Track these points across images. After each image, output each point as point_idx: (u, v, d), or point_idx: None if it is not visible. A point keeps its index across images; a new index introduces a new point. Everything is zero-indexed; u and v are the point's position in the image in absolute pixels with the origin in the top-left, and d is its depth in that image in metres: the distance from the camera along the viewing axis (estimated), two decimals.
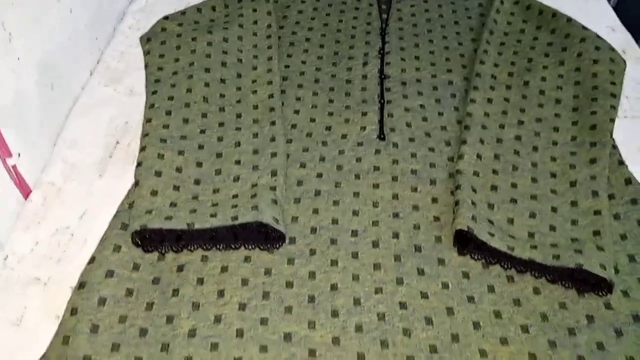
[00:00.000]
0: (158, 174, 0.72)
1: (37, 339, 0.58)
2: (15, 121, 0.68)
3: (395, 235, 0.69)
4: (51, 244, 0.67)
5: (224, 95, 0.85)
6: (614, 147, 0.78)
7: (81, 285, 0.62)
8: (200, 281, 0.64)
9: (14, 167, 0.68)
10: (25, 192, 0.71)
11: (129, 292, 0.63)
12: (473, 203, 0.69)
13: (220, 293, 0.63)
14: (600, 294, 0.63)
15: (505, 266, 0.66)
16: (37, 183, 0.73)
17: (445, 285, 0.64)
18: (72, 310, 0.60)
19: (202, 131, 0.79)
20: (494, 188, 0.73)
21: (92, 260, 0.64)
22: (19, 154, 0.68)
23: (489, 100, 0.85)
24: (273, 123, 0.80)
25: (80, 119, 0.82)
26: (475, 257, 0.66)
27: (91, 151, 0.78)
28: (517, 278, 0.65)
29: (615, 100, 0.83)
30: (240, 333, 0.59)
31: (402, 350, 0.58)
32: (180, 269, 0.65)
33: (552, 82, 0.88)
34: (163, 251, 0.66)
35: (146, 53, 0.92)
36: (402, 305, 0.62)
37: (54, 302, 0.61)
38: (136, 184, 0.71)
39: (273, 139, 0.78)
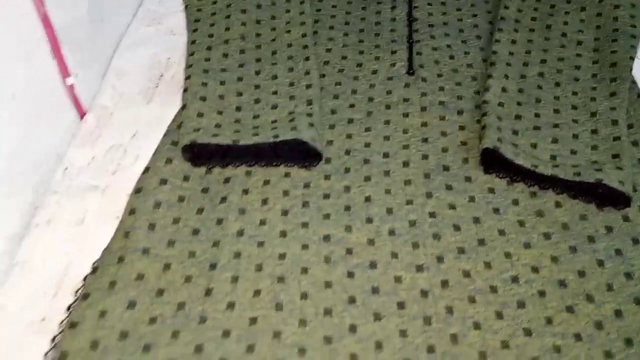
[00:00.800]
0: (203, 99, 0.77)
1: (98, 236, 0.64)
2: (73, 45, 0.73)
3: (425, 157, 0.74)
4: (106, 158, 0.73)
5: (260, 34, 0.90)
6: (633, 82, 0.82)
7: (138, 190, 0.68)
8: (245, 191, 0.69)
9: (71, 86, 0.73)
10: (81, 112, 0.77)
11: (181, 199, 0.68)
12: (499, 128, 0.73)
13: (264, 201, 0.68)
14: (619, 208, 0.67)
15: (529, 183, 0.70)
16: (90, 106, 0.78)
17: (471, 199, 0.69)
18: (131, 211, 0.66)
19: (241, 65, 0.84)
20: (518, 117, 0.77)
21: (146, 170, 0.70)
22: (77, 74, 0.74)
23: (513, 42, 0.89)
24: (307, 59, 0.85)
25: (126, 53, 0.87)
26: (500, 176, 0.71)
27: (138, 81, 0.83)
28: (540, 193, 0.69)
29: (635, 40, 0.86)
30: (283, 234, 0.65)
31: (431, 251, 0.63)
32: (226, 180, 0.70)
33: (574, 26, 0.92)
34: (210, 166, 0.72)
35: None
36: (432, 215, 0.67)
37: (113, 206, 0.67)
38: (183, 107, 0.76)
39: (307, 73, 0.83)
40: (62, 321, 0.57)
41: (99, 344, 0.55)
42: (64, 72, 0.71)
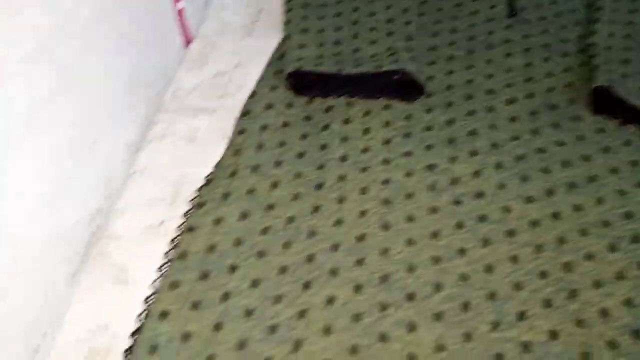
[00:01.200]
0: (304, 31, 0.78)
1: (208, 153, 0.66)
2: None
3: (530, 96, 0.72)
4: (212, 84, 0.75)
5: None
6: None
7: (245, 113, 0.70)
8: (347, 121, 0.70)
9: (181, 11, 0.75)
10: (188, 39, 0.79)
11: (285, 124, 0.70)
12: (608, 70, 0.71)
13: (366, 130, 0.69)
14: None
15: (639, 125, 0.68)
16: (196, 35, 0.80)
17: (580, 138, 0.67)
18: (240, 131, 0.68)
19: (339, 2, 0.84)
20: (626, 61, 0.74)
21: (253, 95, 0.72)
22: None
23: None
24: (405, 10, 0.84)
25: None
26: (611, 117, 0.69)
27: (239, 14, 0.85)
28: None
29: None
30: (386, 161, 0.65)
31: (541, 185, 0.62)
32: (328, 110, 0.71)
33: None
34: (312, 96, 0.73)
35: None
36: (540, 150, 0.66)
37: (221, 126, 0.69)
38: (286, 37, 0.77)
39: (406, 11, 0.82)
40: (180, 225, 0.59)
41: (215, 247, 0.58)
42: None
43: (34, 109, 0.48)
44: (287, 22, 0.79)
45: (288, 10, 0.81)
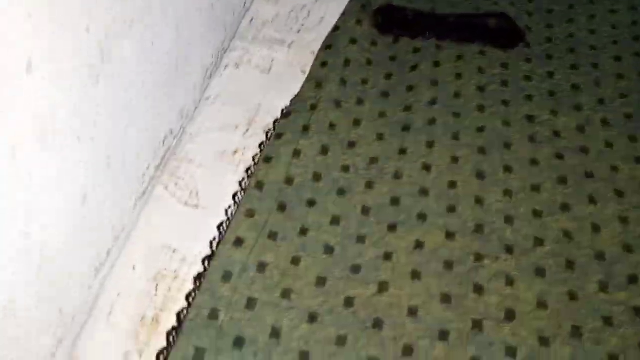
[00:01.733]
0: None
1: (283, 84, 0.61)
2: None
3: (638, 55, 0.65)
4: (290, 16, 0.70)
5: None
6: None
7: (328, 46, 0.65)
8: (437, 63, 0.65)
9: None
10: None
11: (369, 62, 0.65)
12: None
13: (458, 76, 0.63)
14: None
15: None
16: None
17: None
18: (322, 64, 0.63)
19: None
20: None
21: (336, 28, 0.67)
22: None
23: None
24: None
25: None
26: None
27: None
28: None
29: None
30: (480, 108, 0.60)
31: None
32: (416, 51, 0.66)
33: None
34: (399, 34, 0.67)
35: None
36: None
37: (299, 60, 0.64)
38: None
39: None
40: (256, 155, 0.55)
41: (293, 180, 0.53)
42: None
43: (111, 38, 0.44)
44: None
45: None
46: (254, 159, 0.55)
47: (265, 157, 0.55)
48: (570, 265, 0.48)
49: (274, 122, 0.58)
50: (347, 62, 0.63)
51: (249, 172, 0.54)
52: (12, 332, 0.38)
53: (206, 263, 0.48)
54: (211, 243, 0.49)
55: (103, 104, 0.43)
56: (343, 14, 0.68)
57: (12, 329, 0.38)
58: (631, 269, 0.48)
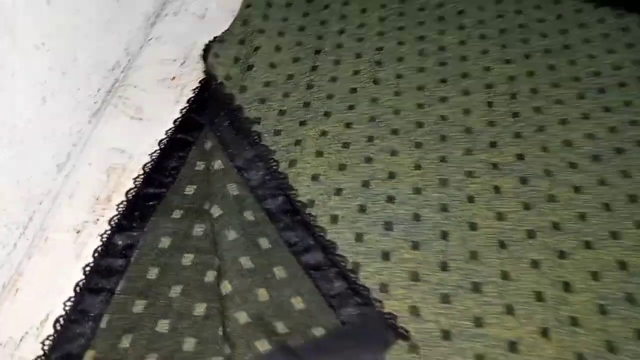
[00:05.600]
0: None
1: (216, 27, 0.72)
2: None
3: None
4: None
5: None
6: None
7: None
8: (345, 3, 0.76)
9: None
10: None
11: (288, 4, 0.76)
12: None
13: (363, 10, 0.75)
14: None
15: (614, 4, 0.73)
16: None
17: (559, 16, 0.73)
18: (247, 5, 0.74)
19: None
20: None
21: None
22: None
23: None
24: None
25: None
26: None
27: None
28: (625, 15, 0.72)
29: None
30: (380, 33, 0.71)
31: (519, 51, 0.68)
32: None
33: None
34: None
35: None
36: (521, 25, 0.71)
37: (229, 6, 0.76)
38: None
39: None
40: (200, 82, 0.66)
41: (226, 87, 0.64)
42: None
43: None
44: None
45: None
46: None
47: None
48: (468, 152, 0.59)
49: (207, 44, 0.69)
50: (269, 4, 0.75)
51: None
52: None
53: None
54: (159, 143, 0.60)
55: (56, 21, 0.54)
56: None
57: None
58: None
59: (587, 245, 0.51)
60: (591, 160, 0.57)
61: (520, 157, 0.57)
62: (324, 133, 0.61)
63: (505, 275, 0.49)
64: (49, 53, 0.54)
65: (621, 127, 0.60)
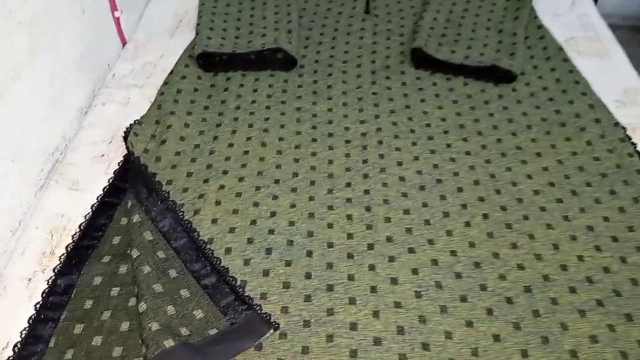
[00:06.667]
0: (210, 28, 1.05)
1: (137, 112, 0.91)
2: None
3: (373, 61, 1.01)
4: (142, 70, 1.01)
5: None
6: (533, 9, 1.09)
7: (165, 83, 0.96)
8: (242, 85, 0.97)
9: (118, 19, 1.02)
10: (123, 42, 1.05)
11: (195, 89, 0.96)
12: (426, 39, 1.00)
13: (255, 90, 0.96)
14: (510, 82, 0.94)
15: (445, 73, 0.97)
16: (129, 39, 1.07)
17: (403, 83, 0.96)
18: (160, 93, 0.93)
19: (240, 11, 1.13)
20: (443, 35, 1.04)
21: (171, 72, 0.98)
22: (121, 11, 1.03)
23: None
24: (289, 5, 1.13)
25: (154, 7, 1.17)
26: (425, 68, 0.98)
27: (164, 23, 1.12)
28: (453, 78, 0.96)
29: None
30: (268, 107, 0.92)
31: (371, 112, 0.90)
32: (228, 79, 0.98)
33: None
34: (216, 71, 1.00)
35: None
36: (374, 93, 0.94)
37: (148, 95, 0.95)
38: (196, 34, 1.04)
39: (289, 14, 1.11)
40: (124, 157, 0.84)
41: (142, 161, 0.82)
42: (114, 6, 1.01)
43: (17, 72, 0.73)
44: (198, 24, 1.07)
45: (199, 17, 1.09)
46: (121, 158, 0.83)
47: (129, 150, 0.84)
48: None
49: (129, 127, 0.87)
50: (179, 91, 0.94)
51: (120, 163, 0.82)
52: None
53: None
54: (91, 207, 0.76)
55: (3, 119, 0.72)
56: (177, 61, 1.00)
57: None
58: None
59: (410, 250, 0.70)
60: (418, 190, 0.77)
61: (367, 192, 0.77)
62: (222, 187, 0.79)
63: (351, 277, 0.67)
64: (0, 145, 0.71)
65: (442, 164, 0.81)
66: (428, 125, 0.88)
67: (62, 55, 0.87)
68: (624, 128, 0.84)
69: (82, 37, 0.92)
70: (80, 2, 0.91)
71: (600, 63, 0.98)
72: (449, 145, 0.84)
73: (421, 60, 0.99)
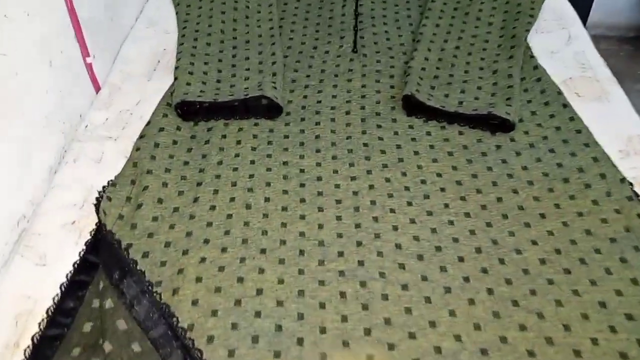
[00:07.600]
0: (190, 72, 0.99)
1: (112, 170, 0.85)
2: (92, 32, 0.96)
3: (362, 107, 0.95)
4: (117, 119, 0.94)
5: (236, 29, 1.13)
6: (528, 47, 1.05)
7: (142, 136, 0.89)
8: (224, 136, 0.91)
9: (90, 65, 0.95)
10: (97, 87, 0.99)
11: (175, 142, 0.89)
12: (418, 83, 0.95)
13: (238, 142, 0.90)
14: (507, 132, 0.89)
15: (439, 120, 0.92)
16: (104, 83, 1.01)
17: (396, 133, 0.90)
18: (137, 149, 0.87)
19: (221, 51, 1.07)
20: (435, 77, 0.99)
21: (148, 123, 0.92)
22: (94, 56, 0.96)
23: (437, 25, 1.12)
24: (273, 44, 1.08)
25: (130, 45, 1.10)
26: (418, 116, 0.93)
27: (141, 65, 1.06)
28: (447, 127, 0.91)
29: (532, 18, 1.10)
30: (252, 162, 0.86)
31: (363, 167, 0.84)
32: (209, 129, 0.92)
33: (487, 12, 1.15)
34: (196, 120, 0.93)
35: (176, 4, 1.21)
36: (365, 144, 0.88)
37: (123, 149, 0.88)
38: (175, 79, 0.98)
39: (273, 54, 1.05)
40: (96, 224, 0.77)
41: (115, 233, 0.75)
42: (85, 52, 0.94)
43: None
44: (177, 68, 1.01)
45: (178, 59, 1.03)
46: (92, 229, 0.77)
47: (100, 218, 0.77)
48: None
49: (102, 190, 0.81)
50: (156, 145, 0.88)
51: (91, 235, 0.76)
52: None
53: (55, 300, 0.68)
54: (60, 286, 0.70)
55: None
56: (154, 111, 0.94)
57: None
58: None
59: (411, 335, 0.64)
60: (416, 260, 0.72)
61: (361, 263, 0.72)
62: (203, 260, 0.73)
63: None
64: None
65: (440, 228, 0.76)
66: (423, 181, 0.82)
67: (30, 114, 0.80)
68: (630, 184, 0.79)
69: (51, 90, 0.86)
70: (48, 54, 0.85)
71: (600, 108, 0.94)
72: (446, 206, 0.79)
73: (414, 107, 0.93)
